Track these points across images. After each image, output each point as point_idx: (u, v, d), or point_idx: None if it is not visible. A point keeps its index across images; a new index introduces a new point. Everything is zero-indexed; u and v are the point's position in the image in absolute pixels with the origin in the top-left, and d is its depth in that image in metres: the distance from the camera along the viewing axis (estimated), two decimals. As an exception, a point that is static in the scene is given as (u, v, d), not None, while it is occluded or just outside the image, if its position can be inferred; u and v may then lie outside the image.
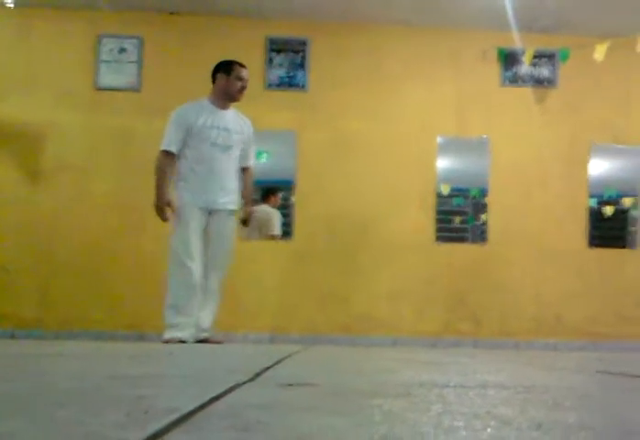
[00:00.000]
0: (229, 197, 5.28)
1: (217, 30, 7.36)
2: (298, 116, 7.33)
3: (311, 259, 7.20)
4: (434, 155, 7.40)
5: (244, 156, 5.41)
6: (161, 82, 7.26)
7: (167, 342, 4.96)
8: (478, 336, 7.19)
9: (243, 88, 5.33)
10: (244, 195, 5.49)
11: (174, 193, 5.20)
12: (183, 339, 4.99)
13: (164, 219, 5.18)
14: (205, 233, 5.22)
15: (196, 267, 5.08)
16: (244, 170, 5.45)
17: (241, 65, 5.39)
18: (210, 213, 5.22)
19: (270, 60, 7.39)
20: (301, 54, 7.41)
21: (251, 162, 5.52)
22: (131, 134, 7.11)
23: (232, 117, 5.35)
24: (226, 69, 5.35)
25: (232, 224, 5.34)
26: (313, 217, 7.22)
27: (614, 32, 6.88)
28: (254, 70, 7.39)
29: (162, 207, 5.13)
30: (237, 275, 7.16)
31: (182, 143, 5.17)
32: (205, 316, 5.18)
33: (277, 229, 7.28)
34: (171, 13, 7.34)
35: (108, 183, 7.13)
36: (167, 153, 5.17)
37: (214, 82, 5.38)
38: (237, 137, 5.32)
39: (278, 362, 2.70)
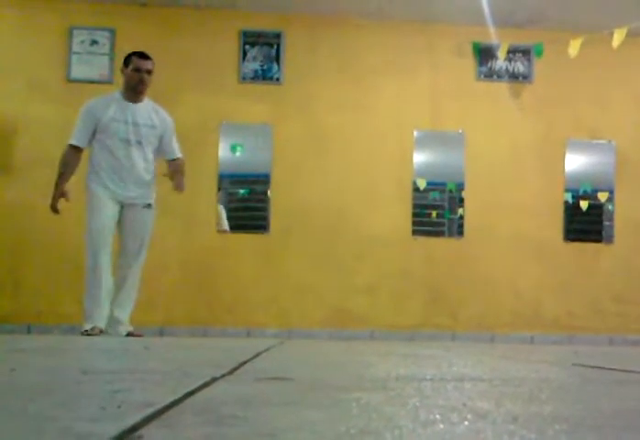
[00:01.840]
0: (142, 190, 5.21)
1: (190, 23, 7.31)
2: (273, 109, 7.31)
3: (287, 253, 7.19)
4: (410, 149, 7.41)
5: (167, 150, 5.30)
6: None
7: (86, 333, 4.91)
8: (455, 330, 7.22)
9: (141, 80, 5.16)
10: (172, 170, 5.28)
11: (86, 185, 5.20)
12: (102, 329, 4.98)
13: (54, 210, 5.18)
14: (119, 226, 5.21)
15: (104, 258, 5.05)
16: (173, 162, 5.32)
17: (141, 56, 5.23)
18: (123, 206, 5.20)
19: (245, 53, 7.35)
20: (275, 47, 7.39)
21: (178, 154, 5.35)
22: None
23: (143, 111, 5.21)
24: (125, 61, 5.25)
25: (147, 217, 5.25)
26: (289, 211, 7.21)
27: (589, 27, 6.91)
28: (228, 63, 7.37)
29: (55, 197, 5.14)
30: (214, 269, 7.14)
31: (90, 137, 5.15)
32: (122, 310, 5.14)
33: (224, 224, 7.20)
34: (144, 5, 7.28)
35: (80, 176, 7.06)
36: (72, 147, 5.18)
37: (121, 74, 5.31)
38: (148, 131, 5.20)
39: (255, 356, 2.68)
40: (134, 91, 5.19)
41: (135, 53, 5.26)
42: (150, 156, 5.25)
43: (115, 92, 5.30)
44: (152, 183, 5.28)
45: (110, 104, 5.16)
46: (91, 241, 5.09)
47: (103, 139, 5.14)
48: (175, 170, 5.22)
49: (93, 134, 5.15)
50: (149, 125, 5.21)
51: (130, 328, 5.18)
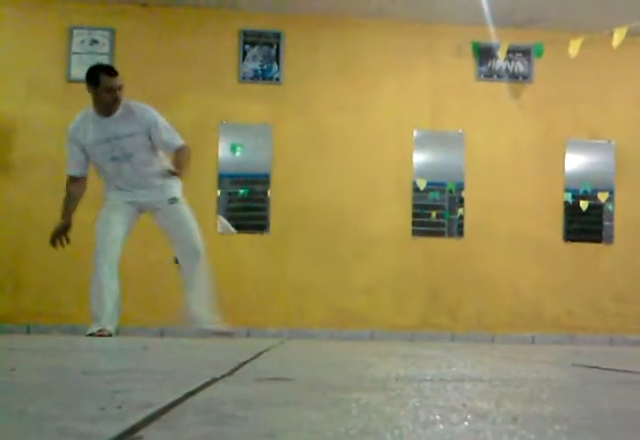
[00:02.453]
0: (156, 192, 5.11)
1: (190, 23, 7.32)
2: (273, 109, 7.31)
3: (287, 253, 7.19)
4: (410, 149, 7.41)
5: (161, 144, 5.06)
6: (133, 74, 7.19)
7: (91, 335, 4.86)
8: (455, 330, 7.22)
9: (115, 99, 4.89)
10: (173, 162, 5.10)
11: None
12: (111, 332, 4.95)
13: (53, 244, 5.19)
14: (163, 230, 5.20)
15: (103, 259, 5.08)
16: (175, 153, 5.08)
17: (109, 73, 4.90)
18: (147, 212, 5.21)
19: (244, 53, 7.36)
20: (275, 47, 7.39)
21: (176, 144, 5.04)
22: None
23: (121, 120, 4.97)
24: (91, 78, 4.89)
25: (177, 211, 5.14)
26: (289, 210, 7.21)
27: (589, 27, 6.92)
28: (228, 62, 7.37)
29: (55, 232, 5.16)
30: (214, 269, 7.13)
31: (84, 161, 5.11)
32: (200, 308, 5.10)
33: (229, 229, 7.19)
34: (144, 5, 7.28)
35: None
36: (69, 177, 5.18)
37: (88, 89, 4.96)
38: (133, 140, 4.98)
39: (255, 357, 2.68)
40: (107, 109, 4.94)
41: (101, 70, 4.94)
42: (152, 158, 5.10)
43: (90, 108, 5.03)
44: (168, 180, 5.06)
45: (87, 125, 4.99)
46: (95, 242, 5.10)
47: (95, 161, 5.09)
48: (175, 162, 5.01)
49: (87, 157, 5.08)
50: (129, 133, 4.98)
51: (216, 326, 5.12)
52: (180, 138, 5.09)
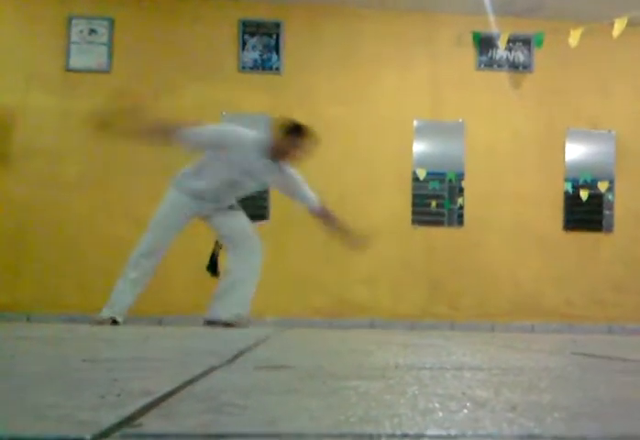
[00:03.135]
0: (220, 205, 5.12)
1: (190, 12, 7.29)
2: (272, 99, 7.29)
3: (287, 242, 7.19)
4: (410, 139, 7.40)
5: (301, 198, 5.14)
6: (132, 63, 7.19)
7: (101, 322, 4.89)
8: (455, 319, 7.23)
9: (294, 156, 4.91)
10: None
11: (173, 185, 5.04)
12: (118, 322, 4.97)
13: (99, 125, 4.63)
14: (220, 234, 5.20)
15: (150, 264, 5.07)
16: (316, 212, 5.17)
17: (306, 136, 4.89)
18: (203, 217, 5.16)
19: (244, 43, 7.33)
20: (275, 37, 7.37)
21: (312, 200, 5.14)
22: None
23: (273, 170, 4.94)
24: (299, 132, 4.87)
25: (234, 212, 5.18)
26: (288, 200, 7.19)
27: (590, 17, 6.90)
28: (227, 52, 7.35)
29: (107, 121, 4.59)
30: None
31: (199, 147, 4.83)
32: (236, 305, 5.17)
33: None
34: (144, -6, 7.26)
35: (79, 166, 7.06)
36: (177, 133, 4.63)
37: (275, 132, 4.90)
38: (262, 185, 5.19)
39: (254, 345, 2.69)
40: (279, 157, 4.88)
41: (310, 133, 4.91)
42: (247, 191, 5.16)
43: (266, 141, 4.88)
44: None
45: (251, 151, 4.82)
46: (147, 241, 5.03)
47: (215, 169, 4.85)
48: (324, 220, 5.20)
49: (210, 149, 4.82)
50: (268, 182, 5.11)
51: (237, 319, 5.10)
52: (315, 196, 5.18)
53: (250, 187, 5.09)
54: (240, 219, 5.24)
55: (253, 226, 5.32)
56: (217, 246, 5.33)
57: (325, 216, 5.20)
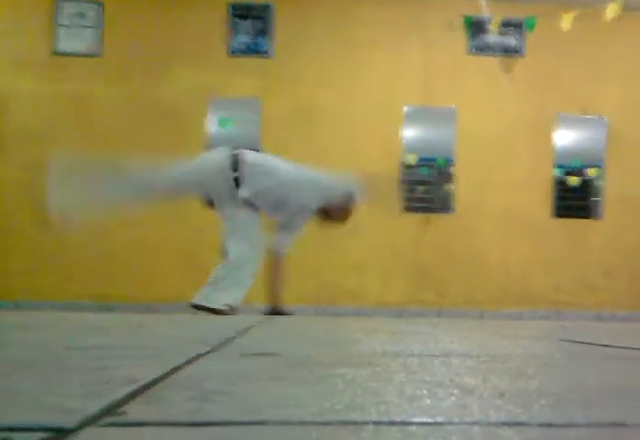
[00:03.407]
0: None
1: (180, -4, 7.24)
2: (262, 83, 7.26)
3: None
4: (400, 124, 7.39)
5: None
6: (122, 47, 7.13)
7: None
8: (443, 306, 7.25)
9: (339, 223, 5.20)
10: None
11: None
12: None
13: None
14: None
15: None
16: None
17: None
18: None
19: (234, 26, 7.29)
20: (265, 20, 7.32)
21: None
22: (91, 100, 7.00)
23: None
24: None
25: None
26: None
27: (582, 1, 6.88)
28: (217, 36, 7.30)
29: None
30: (203, 245, 7.12)
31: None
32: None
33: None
34: (133, -23, 7.20)
35: (67, 150, 7.01)
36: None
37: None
38: None
39: (242, 332, 2.68)
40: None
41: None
42: None
43: None
44: None
45: None
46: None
47: None
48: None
49: None
50: None
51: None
52: None
53: None
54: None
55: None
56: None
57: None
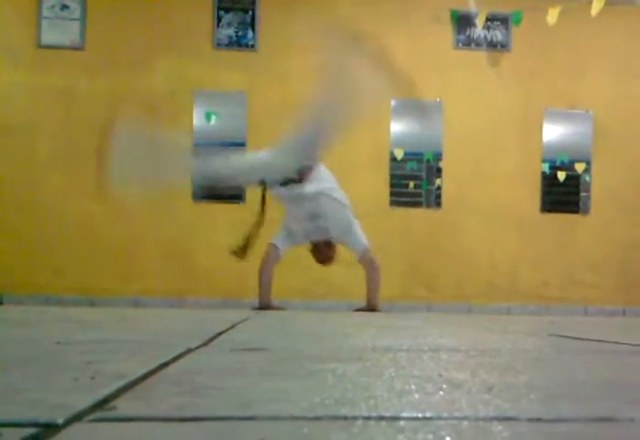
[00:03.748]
0: None
1: (165, -12, 7.21)
2: (248, 77, 7.24)
3: (264, 226, 7.15)
4: (387, 118, 7.38)
5: None
6: (106, 40, 7.10)
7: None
8: (432, 301, 7.26)
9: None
10: None
11: None
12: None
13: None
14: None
15: None
16: None
17: None
18: None
19: (219, 19, 7.26)
20: (250, 13, 7.30)
21: None
22: (75, 93, 6.96)
23: None
24: None
25: None
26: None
27: (568, -4, 6.89)
28: (202, 29, 7.27)
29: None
30: (190, 239, 7.11)
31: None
32: None
33: None
34: (118, -31, 7.16)
35: (51, 144, 6.98)
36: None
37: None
38: None
39: (231, 327, 2.68)
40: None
41: None
42: None
43: None
44: None
45: None
46: None
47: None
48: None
49: None
50: None
51: None
52: None
53: None
54: None
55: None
56: (255, 228, 5.44)
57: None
